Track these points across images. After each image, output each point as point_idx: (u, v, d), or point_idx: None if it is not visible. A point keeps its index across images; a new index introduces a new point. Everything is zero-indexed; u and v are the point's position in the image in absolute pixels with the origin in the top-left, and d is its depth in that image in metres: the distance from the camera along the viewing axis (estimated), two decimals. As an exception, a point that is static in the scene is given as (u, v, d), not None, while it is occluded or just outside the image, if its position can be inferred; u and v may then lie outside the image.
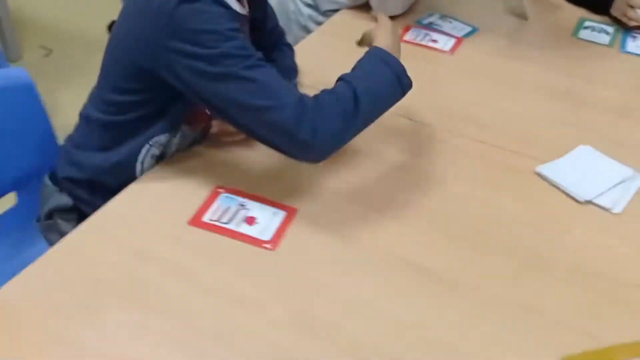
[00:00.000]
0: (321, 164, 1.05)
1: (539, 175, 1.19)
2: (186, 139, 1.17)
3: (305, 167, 1.15)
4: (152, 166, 1.14)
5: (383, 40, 1.09)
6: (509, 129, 1.32)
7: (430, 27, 1.66)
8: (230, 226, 1.03)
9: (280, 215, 1.06)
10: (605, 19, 1.75)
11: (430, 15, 1.71)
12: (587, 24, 1.73)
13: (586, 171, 1.20)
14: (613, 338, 0.89)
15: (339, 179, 1.15)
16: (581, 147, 1.26)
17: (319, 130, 0.96)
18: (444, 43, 1.59)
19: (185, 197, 1.08)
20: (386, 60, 1.05)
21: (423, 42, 1.60)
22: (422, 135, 1.29)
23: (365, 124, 1.03)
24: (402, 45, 1.15)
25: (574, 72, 1.53)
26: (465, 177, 1.19)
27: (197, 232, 1.02)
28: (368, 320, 0.91)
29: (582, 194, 1.14)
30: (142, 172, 1.14)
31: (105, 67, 1.12)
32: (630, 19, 1.67)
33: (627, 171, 1.20)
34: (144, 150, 1.12)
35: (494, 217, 1.10)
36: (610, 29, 1.71)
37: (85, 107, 1.16)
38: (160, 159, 1.15)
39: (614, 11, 1.71)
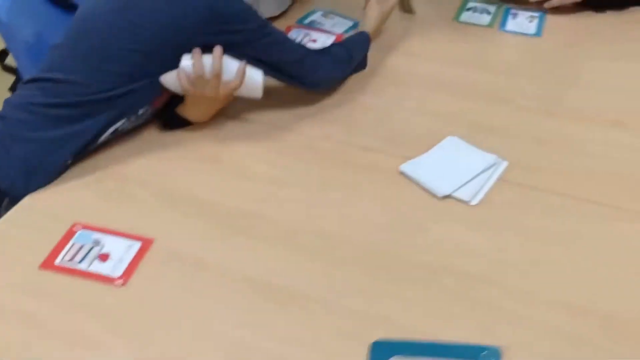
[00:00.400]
0: (175, 188, 1.16)
1: (403, 174, 1.20)
2: (142, 117, 1.26)
3: (163, 196, 1.16)
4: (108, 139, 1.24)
5: (369, 26, 1.51)
6: (378, 128, 1.33)
7: (311, 26, 1.66)
8: (82, 266, 1.02)
9: (135, 247, 1.05)
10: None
11: (313, 13, 1.71)
12: (469, 4, 1.73)
13: (449, 164, 1.21)
14: (454, 338, 0.90)
15: (196, 200, 1.15)
16: (448, 138, 1.27)
17: (326, 74, 1.37)
18: (323, 41, 1.59)
19: (40, 237, 1.07)
20: (366, 46, 1.47)
21: (303, 43, 1.59)
22: (283, 141, 1.29)
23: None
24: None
25: (450, 59, 1.54)
26: (326, 183, 1.19)
27: (49, 276, 1.01)
28: (218, 352, 0.91)
29: (441, 190, 1.14)
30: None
31: (119, 40, 1.17)
32: None
33: (489, 159, 1.21)
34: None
35: (352, 223, 1.11)
36: (492, 8, 1.71)
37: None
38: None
39: None
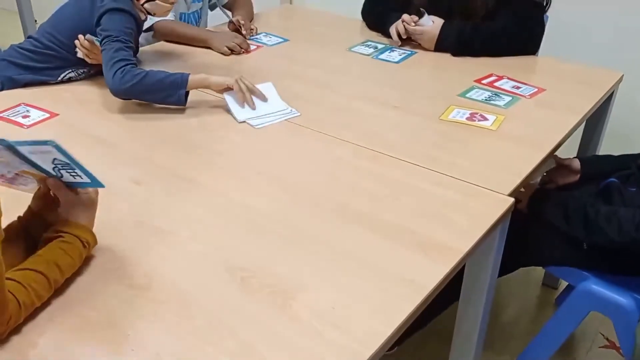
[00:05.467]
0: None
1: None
2: (87, 74, 2.04)
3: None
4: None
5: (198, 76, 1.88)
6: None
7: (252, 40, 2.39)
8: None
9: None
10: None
11: (260, 33, 2.44)
12: (367, 43, 2.38)
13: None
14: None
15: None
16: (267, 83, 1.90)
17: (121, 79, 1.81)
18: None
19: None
20: (179, 81, 1.84)
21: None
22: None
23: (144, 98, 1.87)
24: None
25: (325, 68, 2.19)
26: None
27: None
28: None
29: (239, 117, 1.79)
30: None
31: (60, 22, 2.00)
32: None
33: (283, 105, 1.84)
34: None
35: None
36: (380, 45, 2.35)
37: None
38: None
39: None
